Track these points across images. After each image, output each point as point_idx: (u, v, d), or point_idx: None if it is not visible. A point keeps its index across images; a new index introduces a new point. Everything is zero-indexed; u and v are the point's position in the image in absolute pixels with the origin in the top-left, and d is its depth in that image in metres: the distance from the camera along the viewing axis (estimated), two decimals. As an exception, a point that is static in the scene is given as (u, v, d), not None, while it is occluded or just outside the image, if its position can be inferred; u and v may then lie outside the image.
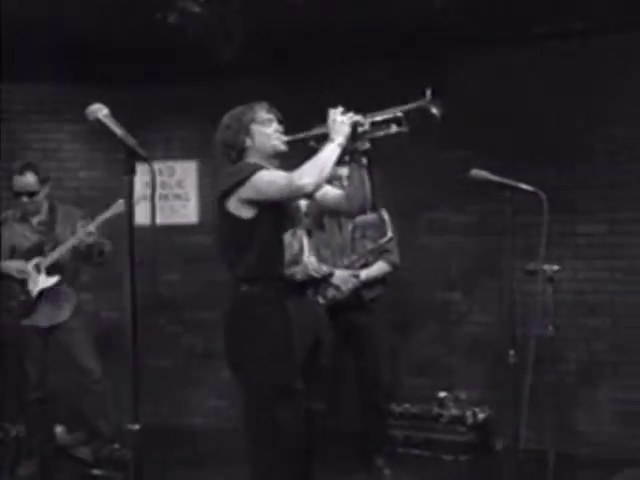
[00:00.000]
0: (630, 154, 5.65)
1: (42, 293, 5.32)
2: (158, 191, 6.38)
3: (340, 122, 3.46)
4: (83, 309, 5.63)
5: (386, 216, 5.10)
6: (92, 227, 5.18)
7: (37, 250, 5.35)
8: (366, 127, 3.50)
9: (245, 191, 3.47)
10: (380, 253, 5.17)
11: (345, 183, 4.42)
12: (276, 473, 3.53)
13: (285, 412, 3.50)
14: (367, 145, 3.54)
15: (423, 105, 3.36)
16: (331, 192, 3.78)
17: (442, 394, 5.99)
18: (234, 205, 3.51)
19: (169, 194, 6.99)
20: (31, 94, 6.73)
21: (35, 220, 5.44)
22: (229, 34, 5.38)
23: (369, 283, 5.11)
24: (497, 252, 5.47)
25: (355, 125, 3.48)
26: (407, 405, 6.04)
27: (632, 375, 5.63)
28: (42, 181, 5.39)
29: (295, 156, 3.58)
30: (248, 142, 3.62)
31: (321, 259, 4.73)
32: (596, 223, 5.77)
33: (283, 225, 3.62)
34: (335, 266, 4.92)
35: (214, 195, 3.61)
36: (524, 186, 3.92)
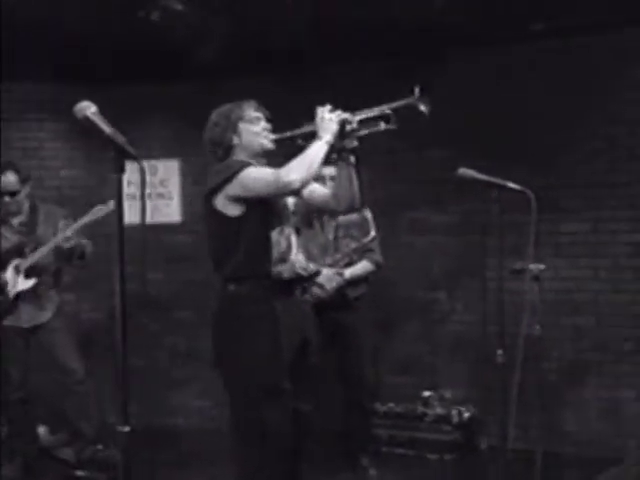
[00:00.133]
0: (614, 154, 5.67)
1: (20, 295, 5.28)
2: (140, 190, 6.30)
3: (328, 120, 3.45)
4: (64, 310, 5.59)
5: (369, 215, 5.09)
6: (69, 232, 5.14)
7: (17, 251, 5.30)
8: (354, 125, 3.48)
9: (232, 188, 3.45)
10: (363, 252, 5.16)
11: (328, 183, 4.42)
12: (263, 473, 3.53)
13: (273, 412, 3.50)
14: (355, 143, 3.52)
15: (411, 102, 3.35)
16: (319, 190, 3.77)
17: (427, 393, 5.99)
18: (221, 203, 3.49)
19: (152, 193, 6.95)
20: (11, 93, 6.65)
21: (16, 221, 5.40)
22: (211, 34, 5.36)
23: (353, 282, 5.09)
24: (479, 251, 5.51)
25: (343, 123, 3.47)
26: (391, 404, 6.03)
27: (616, 374, 5.64)
28: (23, 180, 5.36)
29: (282, 154, 3.57)
30: (235, 140, 3.60)
31: (310, 257, 4.72)
32: (580, 222, 5.77)
33: (270, 223, 3.61)
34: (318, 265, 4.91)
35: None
36: (512, 185, 3.92)
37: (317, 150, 3.42)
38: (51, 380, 5.51)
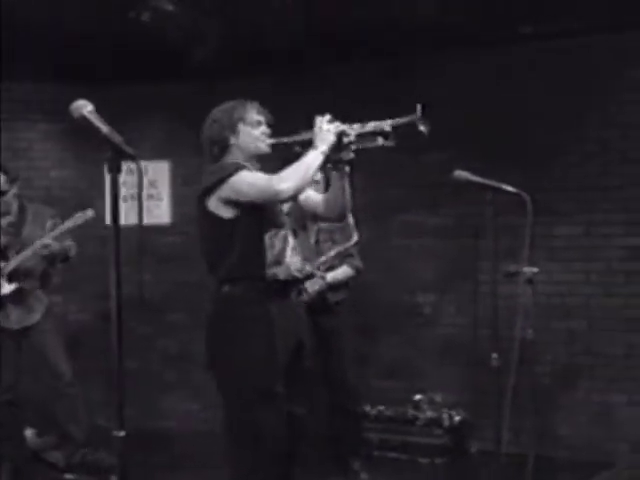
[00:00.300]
0: (606, 157, 5.67)
1: (6, 298, 5.23)
2: (130, 191, 6.26)
3: (326, 130, 3.42)
4: (53, 311, 5.55)
5: (351, 220, 5.06)
6: (48, 239, 5.15)
7: (1, 254, 5.27)
8: (352, 138, 3.44)
9: (225, 190, 3.43)
10: (343, 257, 5.16)
11: (314, 186, 4.38)
12: (257, 476, 3.50)
13: (266, 415, 3.47)
14: (351, 155, 3.48)
15: (413, 121, 3.31)
16: (313, 196, 3.76)
17: (417, 397, 5.98)
18: (214, 204, 3.47)
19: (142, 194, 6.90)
20: (1, 93, 6.61)
21: (4, 221, 5.36)
22: (209, 34, 5.33)
23: (334, 286, 5.10)
24: (471, 254, 5.50)
25: (341, 135, 3.43)
26: (382, 408, 6.02)
27: (608, 378, 5.64)
28: (11, 180, 5.33)
29: (278, 157, 3.55)
30: (232, 140, 3.57)
31: (305, 259, 4.69)
32: (572, 225, 5.77)
33: (264, 225, 3.57)
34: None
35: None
36: (507, 187, 3.91)
37: (312, 160, 3.40)
38: (41, 383, 5.47)
